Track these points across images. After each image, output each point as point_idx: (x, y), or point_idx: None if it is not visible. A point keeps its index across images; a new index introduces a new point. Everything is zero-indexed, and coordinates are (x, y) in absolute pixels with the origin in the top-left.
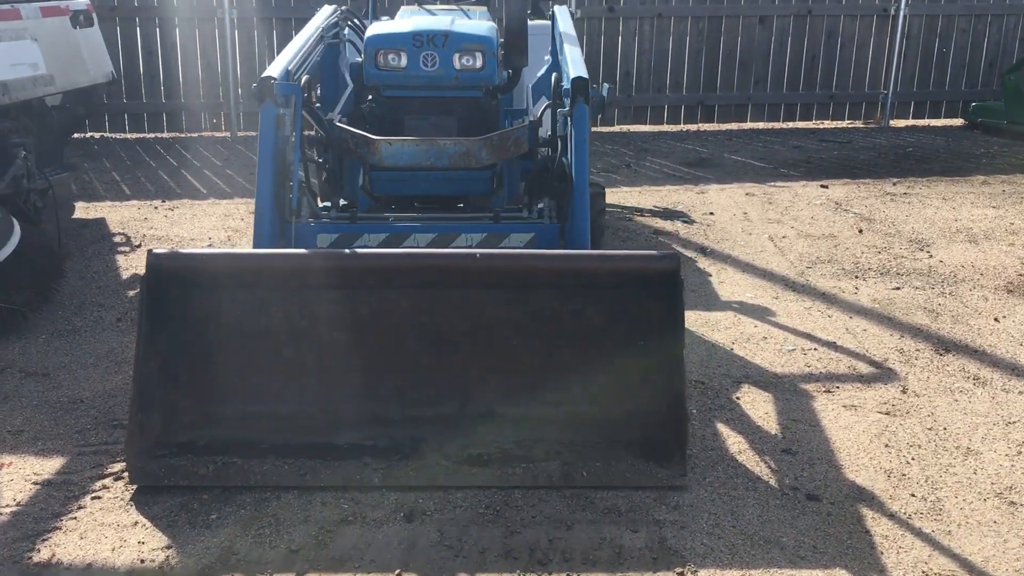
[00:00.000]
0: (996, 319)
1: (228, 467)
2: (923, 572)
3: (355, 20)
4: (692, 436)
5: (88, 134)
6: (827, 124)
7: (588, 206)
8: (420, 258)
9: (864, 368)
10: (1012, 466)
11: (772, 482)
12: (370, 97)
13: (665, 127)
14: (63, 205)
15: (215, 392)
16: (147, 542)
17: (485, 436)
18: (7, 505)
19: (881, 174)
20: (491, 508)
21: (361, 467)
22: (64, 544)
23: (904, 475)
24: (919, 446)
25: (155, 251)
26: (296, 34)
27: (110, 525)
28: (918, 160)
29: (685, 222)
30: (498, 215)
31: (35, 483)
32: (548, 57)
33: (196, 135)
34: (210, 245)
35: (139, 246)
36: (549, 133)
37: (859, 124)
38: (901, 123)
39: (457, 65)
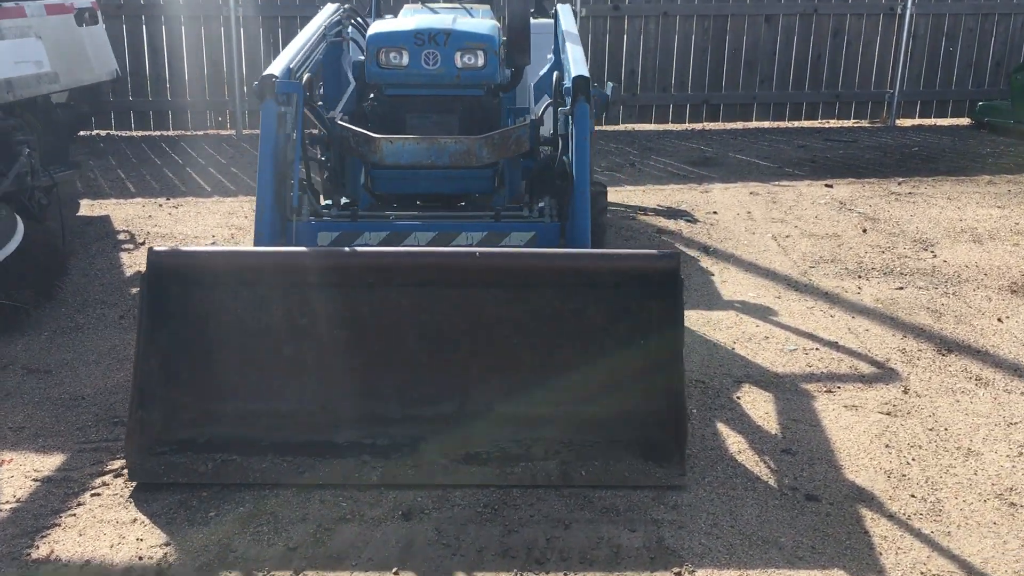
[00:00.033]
0: (999, 319)
1: (227, 464)
2: (922, 573)
3: (358, 18)
4: (692, 436)
5: (94, 132)
6: (833, 123)
7: (588, 205)
8: (419, 257)
9: (866, 368)
10: (1013, 467)
11: (771, 482)
12: (372, 95)
13: (670, 126)
14: (68, 202)
15: (215, 390)
16: (145, 539)
17: (484, 435)
18: (7, 501)
19: (886, 173)
20: (489, 507)
21: (360, 465)
22: (63, 541)
23: (904, 476)
24: (920, 447)
25: (156, 249)
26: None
27: (109, 522)
28: (924, 159)
29: (688, 221)
30: (499, 214)
31: (35, 480)
32: (551, 56)
33: (201, 133)
34: (213, 243)
35: (143, 243)
36: (552, 132)
37: (865, 123)
38: (907, 122)
39: (459, 64)
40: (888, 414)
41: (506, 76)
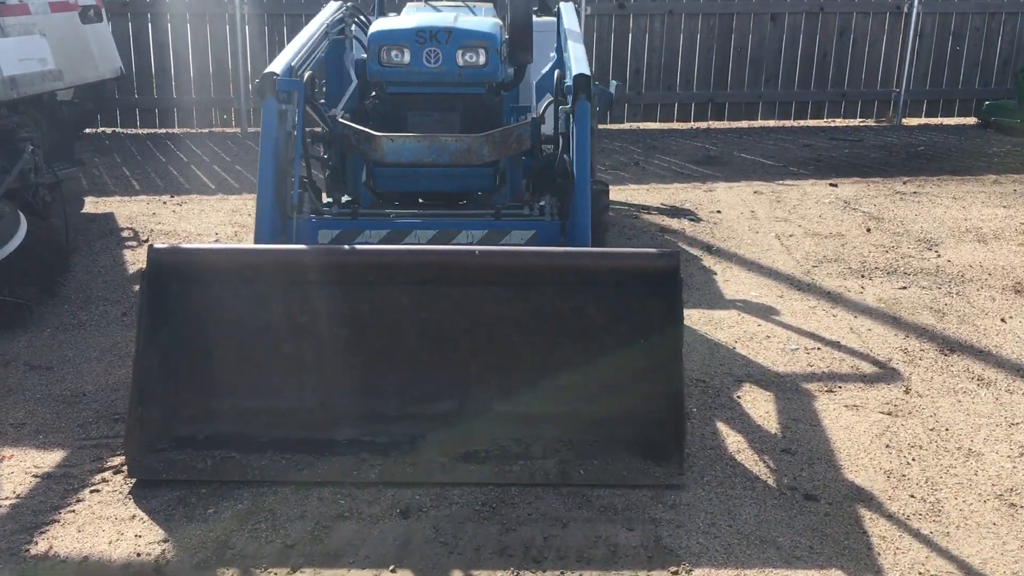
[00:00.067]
0: (1003, 319)
1: (226, 462)
2: (919, 573)
3: (362, 16)
4: (691, 435)
5: (99, 129)
6: (838, 122)
7: (589, 203)
8: (419, 255)
9: (867, 368)
10: (1014, 467)
11: (770, 482)
12: (373, 93)
13: (675, 125)
14: (72, 200)
15: (215, 387)
16: (144, 535)
17: (483, 433)
18: (7, 498)
19: (891, 173)
20: (487, 505)
21: (358, 463)
22: (62, 537)
23: (904, 476)
24: (920, 447)
25: (156, 246)
26: None
27: (108, 518)
28: (929, 159)
29: (692, 220)
30: (499, 212)
31: (35, 476)
32: (554, 54)
33: (206, 131)
34: (217, 240)
35: (146, 241)
36: (553, 130)
37: (871, 122)
38: (913, 121)
39: (460, 62)
40: (889, 414)
41: (508, 74)
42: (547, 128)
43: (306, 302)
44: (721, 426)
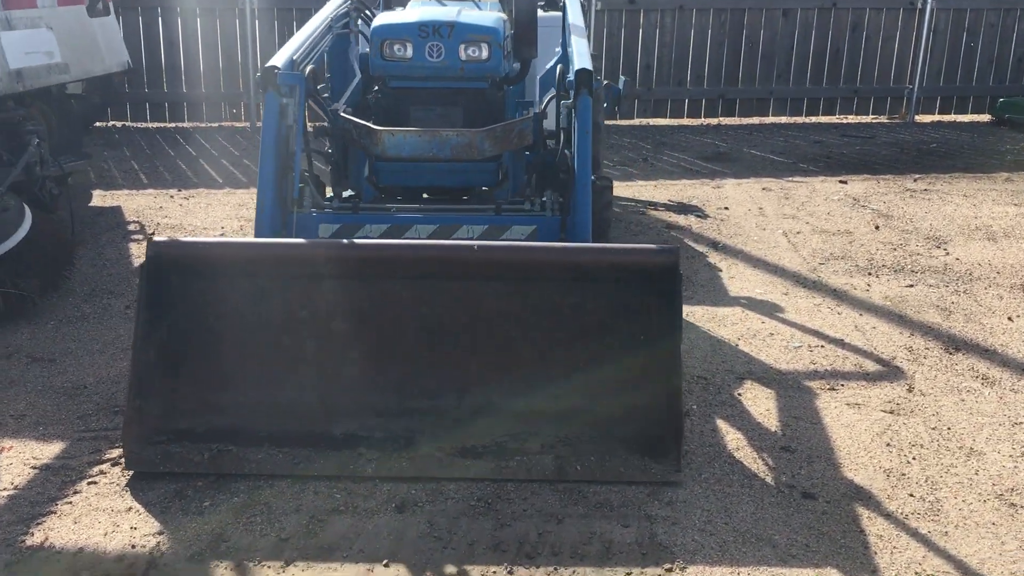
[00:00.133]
0: (1010, 318)
1: (223, 455)
2: (916, 573)
3: (367, 11)
4: (691, 432)
5: (109, 123)
6: (850, 119)
7: (590, 199)
8: (417, 249)
9: (871, 366)
10: (1015, 467)
11: (768, 479)
12: (376, 88)
13: (685, 121)
14: (80, 193)
15: (213, 380)
16: (139, 527)
17: (481, 428)
18: (5, 489)
19: (902, 170)
20: (483, 500)
21: (355, 457)
22: (58, 528)
23: (904, 474)
24: (921, 445)
25: (156, 239)
26: None
27: (104, 510)
28: (941, 156)
29: (698, 216)
30: (500, 207)
31: (33, 467)
32: (559, 49)
33: (215, 125)
34: (222, 234)
35: (152, 234)
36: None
37: (883, 119)
38: (927, 118)
39: (463, 56)
40: (891, 412)
41: (512, 69)
42: (552, 123)
43: (305, 296)
44: (721, 423)
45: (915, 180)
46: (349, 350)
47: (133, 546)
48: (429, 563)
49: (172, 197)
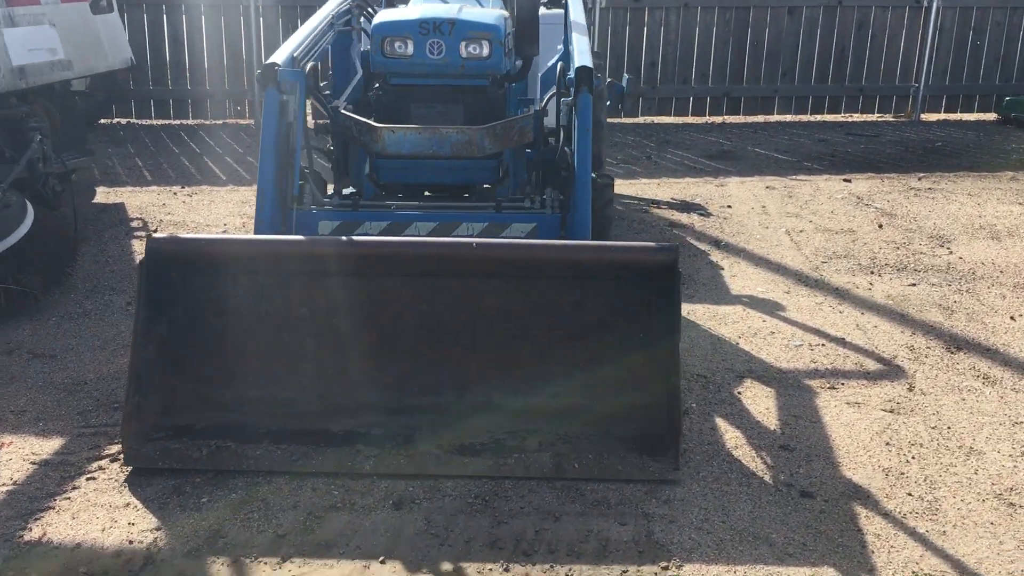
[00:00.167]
0: (1012, 317)
1: (222, 451)
2: (913, 572)
3: (370, 8)
4: (690, 430)
5: (114, 120)
6: (856, 117)
7: (589, 197)
8: (416, 246)
9: (871, 365)
10: (1015, 467)
11: (767, 478)
12: (377, 85)
13: (689, 119)
14: (84, 190)
15: (213, 377)
16: (137, 523)
17: (479, 426)
18: (4, 484)
19: (907, 169)
20: (480, 498)
21: (353, 454)
22: (56, 523)
23: (903, 474)
24: (921, 445)
25: (155, 236)
26: None
27: (102, 506)
28: (946, 155)
29: (701, 215)
30: (500, 204)
31: (33, 463)
32: (561, 47)
33: (220, 122)
34: (225, 231)
35: (155, 231)
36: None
37: (889, 118)
38: (932, 117)
39: (463, 53)
40: (891, 411)
41: (514, 66)
42: (552, 121)
43: (304, 293)
44: (720, 422)
45: (919, 179)
46: (348, 347)
47: (130, 541)
48: (425, 560)
49: (175, 194)
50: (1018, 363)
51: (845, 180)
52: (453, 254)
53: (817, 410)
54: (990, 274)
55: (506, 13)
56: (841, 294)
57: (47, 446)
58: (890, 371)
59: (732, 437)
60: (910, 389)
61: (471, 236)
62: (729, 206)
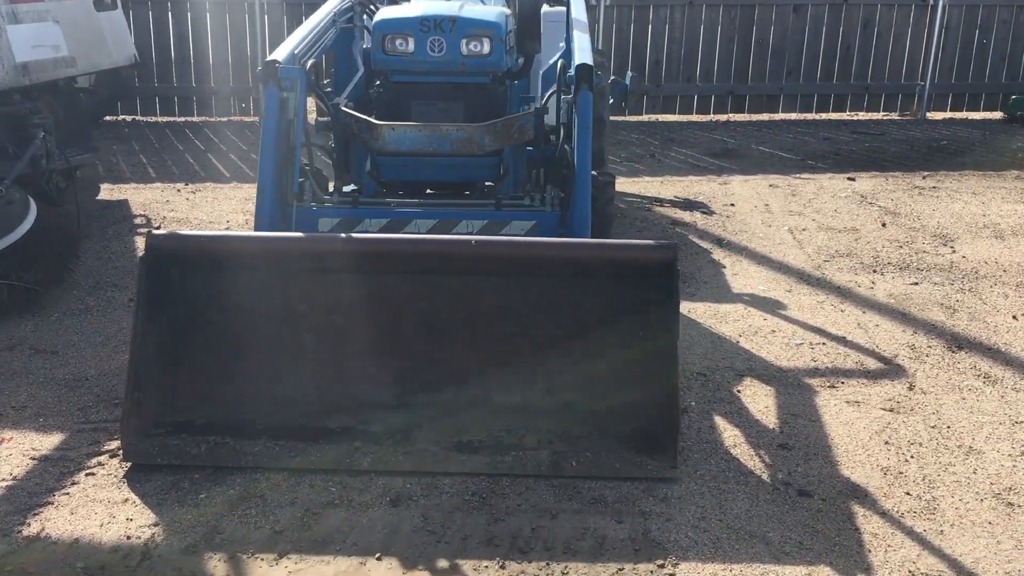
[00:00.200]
0: (1014, 317)
1: (220, 447)
2: (910, 572)
3: (372, 5)
4: (688, 429)
5: (120, 117)
6: (861, 116)
7: (589, 194)
8: (415, 243)
9: (872, 364)
10: (1014, 466)
11: (764, 477)
12: (378, 82)
13: (694, 117)
14: (88, 186)
15: (212, 373)
16: (135, 519)
17: (478, 423)
18: (3, 479)
19: (911, 167)
20: (477, 495)
21: (351, 451)
22: (54, 519)
23: (901, 473)
24: (920, 444)
25: (154, 232)
26: None
27: (101, 501)
28: (951, 153)
29: (704, 213)
30: (500, 202)
31: (33, 458)
32: (563, 44)
33: (225, 119)
34: (227, 228)
35: (158, 228)
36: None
37: (895, 116)
38: (938, 116)
39: (464, 51)
40: (890, 410)
41: (515, 64)
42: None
43: (304, 290)
44: (719, 420)
45: (924, 177)
46: (347, 344)
47: (128, 537)
48: (421, 557)
49: (179, 191)
50: (1019, 362)
51: (849, 179)
52: (452, 251)
53: (816, 409)
54: (993, 273)
55: (508, 11)
56: (843, 293)
57: (47, 442)
58: (891, 370)
59: (731, 435)
60: (910, 388)
61: (470, 234)
62: (732, 204)
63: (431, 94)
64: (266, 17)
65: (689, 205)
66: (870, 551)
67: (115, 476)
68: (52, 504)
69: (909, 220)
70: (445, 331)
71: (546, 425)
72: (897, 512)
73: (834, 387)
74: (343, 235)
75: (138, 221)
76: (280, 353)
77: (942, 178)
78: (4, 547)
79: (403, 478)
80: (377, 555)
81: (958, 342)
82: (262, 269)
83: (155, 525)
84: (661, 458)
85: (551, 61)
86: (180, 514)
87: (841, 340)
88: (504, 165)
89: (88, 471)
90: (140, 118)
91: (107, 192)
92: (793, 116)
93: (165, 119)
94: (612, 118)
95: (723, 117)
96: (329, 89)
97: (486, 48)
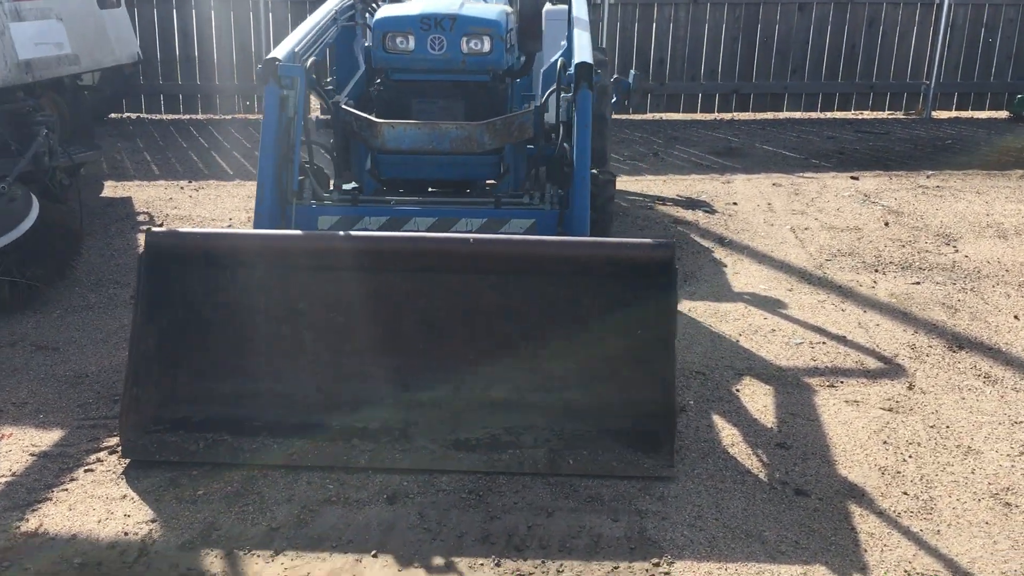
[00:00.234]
0: (1016, 316)
1: (218, 444)
2: (906, 571)
3: (375, 3)
4: (686, 427)
5: (125, 114)
6: (866, 115)
7: (588, 193)
8: (413, 242)
9: (872, 363)
10: (1012, 466)
11: (762, 476)
12: (378, 80)
13: (698, 115)
14: (92, 184)
15: (211, 370)
16: (133, 515)
17: (475, 421)
18: (3, 475)
19: (915, 166)
20: (474, 493)
21: (349, 448)
22: (53, 515)
23: (899, 472)
24: (918, 444)
25: (153, 229)
26: None
27: (99, 497)
28: (956, 153)
29: (706, 212)
30: (499, 200)
31: (32, 454)
32: (565, 43)
33: (229, 117)
34: (230, 225)
35: (161, 225)
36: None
37: (900, 115)
38: (944, 115)
39: (464, 49)
40: (889, 410)
41: (517, 62)
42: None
43: (302, 287)
44: (717, 419)
45: (928, 177)
46: (345, 342)
47: (126, 533)
48: (417, 554)
49: (183, 188)
50: (1020, 362)
51: (853, 178)
52: (450, 249)
53: (815, 408)
54: (995, 273)
55: (509, 9)
56: (844, 292)
57: (47, 438)
58: (890, 370)
59: (728, 434)
60: (910, 388)
61: (469, 232)
62: (735, 203)
63: (432, 92)
64: (271, 15)
65: (691, 204)
66: (866, 551)
67: (114, 472)
68: (51, 500)
69: (912, 219)
70: (443, 329)
71: (543, 423)
72: (894, 512)
73: (833, 386)
74: (341, 233)
75: (141, 219)
76: (278, 350)
77: (946, 177)
78: (2, 543)
79: (400, 475)
80: (373, 552)
81: (959, 342)
82: (261, 267)
83: (152, 521)
84: (658, 457)
85: (552, 59)
86: (177, 510)
87: (841, 339)
88: (504, 163)
89: (87, 467)
90: (145, 116)
91: (111, 189)
92: (798, 115)
93: (170, 117)
94: (616, 116)
95: (727, 116)
96: (330, 87)
97: (486, 46)
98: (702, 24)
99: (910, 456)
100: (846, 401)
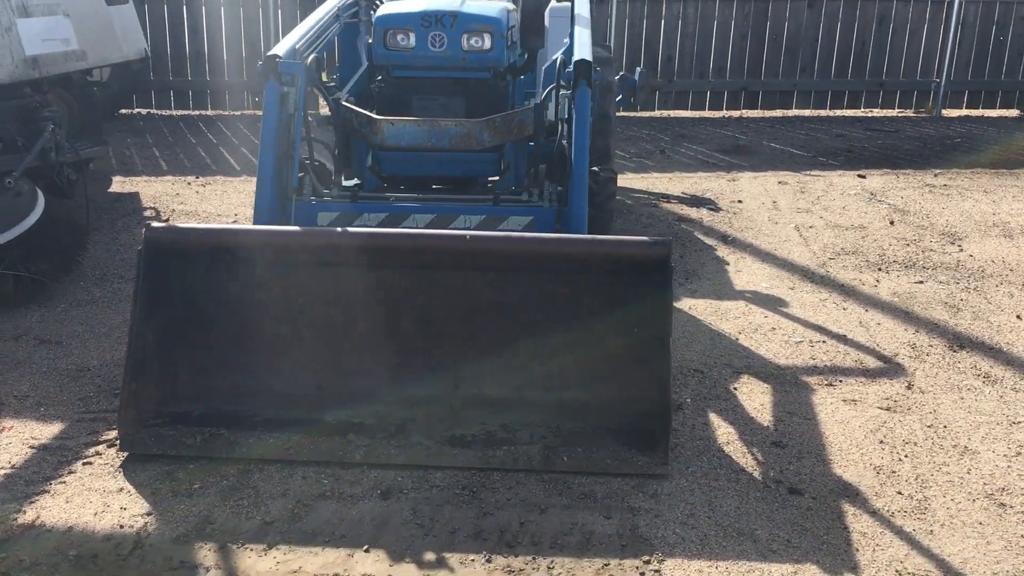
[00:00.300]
0: (1018, 316)
1: (215, 439)
2: (897, 571)
3: (378, 0)
4: (683, 425)
5: (135, 110)
6: (875, 113)
7: (586, 190)
8: (410, 238)
9: (871, 363)
10: (1008, 467)
11: (756, 474)
12: (380, 77)
13: (706, 113)
14: (100, 179)
15: (209, 365)
16: (129, 508)
17: (471, 417)
18: (1, 467)
19: (923, 165)
20: (468, 489)
21: (344, 444)
22: (50, 507)
23: (894, 472)
24: (915, 443)
25: (152, 225)
26: None
27: (96, 490)
28: (965, 151)
29: (711, 210)
30: (498, 197)
31: (31, 447)
32: (567, 40)
33: (238, 113)
34: (235, 221)
35: (167, 220)
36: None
37: (910, 113)
38: (954, 113)
39: (465, 46)
40: (887, 409)
41: (518, 59)
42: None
43: (300, 283)
44: (714, 417)
45: (935, 175)
46: (343, 337)
47: (121, 526)
48: (409, 549)
49: (189, 184)
50: (1020, 362)
51: (860, 176)
52: (447, 246)
53: (812, 407)
54: (999, 272)
55: (511, 6)
56: (846, 291)
57: (47, 431)
58: (890, 369)
59: (724, 433)
60: (908, 387)
61: (468, 229)
62: (740, 201)
63: (432, 89)
64: (280, 11)
65: (696, 201)
66: (858, 550)
67: (112, 465)
68: (48, 492)
69: (918, 218)
70: (440, 325)
71: (539, 420)
72: (888, 511)
73: (832, 385)
74: (340, 229)
75: (148, 214)
76: (277, 346)
77: (954, 176)
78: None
79: (395, 471)
80: (365, 547)
81: (960, 341)
82: (260, 262)
83: (148, 514)
84: (653, 454)
85: (553, 57)
86: (173, 504)
87: (842, 338)
88: (505, 161)
89: (85, 460)
90: (155, 111)
91: (119, 185)
92: (807, 112)
93: (179, 112)
94: (624, 114)
95: (736, 113)
96: (331, 84)
97: (487, 43)
98: (711, 21)
99: (906, 456)
100: (844, 400)
